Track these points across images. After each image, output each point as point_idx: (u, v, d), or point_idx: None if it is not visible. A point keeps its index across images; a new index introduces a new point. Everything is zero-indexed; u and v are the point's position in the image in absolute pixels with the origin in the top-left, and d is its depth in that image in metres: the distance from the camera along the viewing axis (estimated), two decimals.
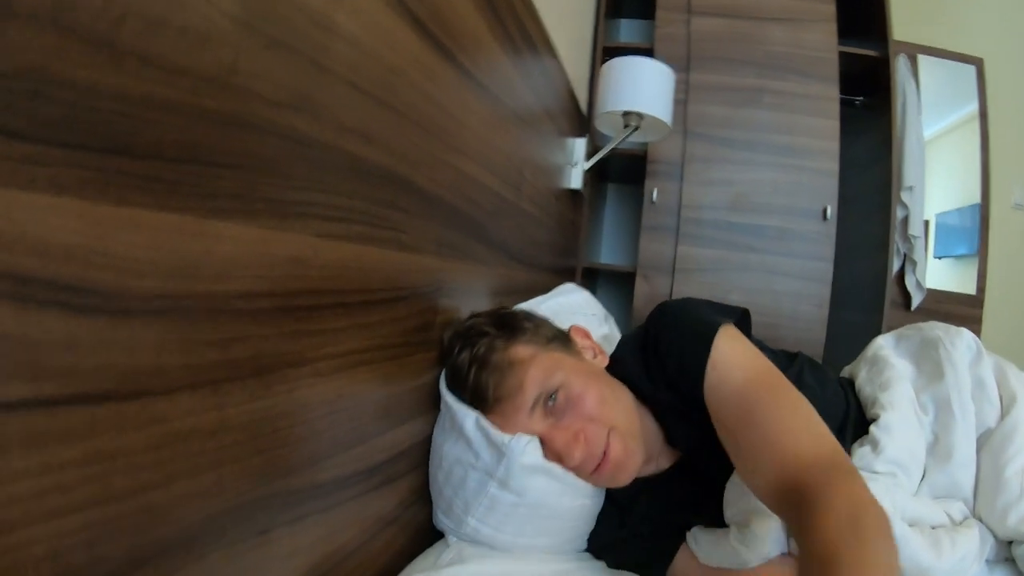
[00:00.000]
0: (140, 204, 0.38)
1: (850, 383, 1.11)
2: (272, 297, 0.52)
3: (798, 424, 0.78)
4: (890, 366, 1.07)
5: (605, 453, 0.87)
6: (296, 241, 0.55)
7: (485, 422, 0.87)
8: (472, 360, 0.89)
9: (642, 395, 0.97)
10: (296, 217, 0.55)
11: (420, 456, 0.93)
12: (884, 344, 1.16)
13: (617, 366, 0.99)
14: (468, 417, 0.88)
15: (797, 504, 0.68)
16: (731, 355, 0.86)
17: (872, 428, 0.95)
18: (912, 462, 0.94)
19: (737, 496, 0.90)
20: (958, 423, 0.97)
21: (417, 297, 0.84)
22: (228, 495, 0.50)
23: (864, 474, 0.81)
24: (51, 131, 0.33)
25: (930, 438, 0.99)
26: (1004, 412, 0.99)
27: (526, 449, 0.85)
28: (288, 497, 0.59)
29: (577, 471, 0.89)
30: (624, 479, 0.91)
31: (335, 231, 0.61)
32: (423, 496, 0.94)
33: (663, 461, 1.01)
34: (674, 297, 2.46)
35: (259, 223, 0.50)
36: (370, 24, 0.65)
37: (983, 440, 0.98)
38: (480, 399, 0.88)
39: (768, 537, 0.85)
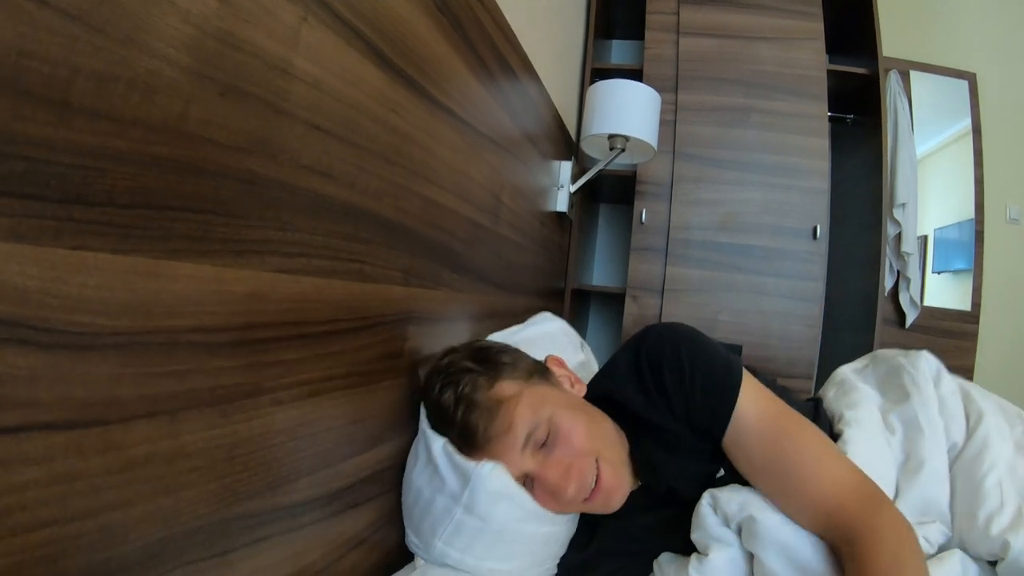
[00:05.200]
0: (94, 248, 0.42)
1: (819, 401, 1.14)
2: (228, 331, 0.55)
3: (829, 460, 0.86)
4: (857, 389, 1.11)
5: (597, 482, 0.89)
6: (252, 278, 0.58)
7: (451, 448, 0.88)
8: (458, 400, 0.89)
9: (631, 422, 0.98)
10: (252, 255, 0.58)
11: (391, 480, 0.94)
12: (849, 372, 1.19)
13: (605, 390, 1.00)
14: (436, 441, 0.89)
15: (847, 536, 0.78)
16: (753, 397, 0.91)
17: (837, 443, 0.97)
18: (878, 480, 0.92)
19: (705, 521, 0.91)
20: (927, 437, 0.99)
21: (383, 326, 0.86)
22: (186, 518, 0.52)
23: None
24: (11, 185, 0.36)
25: (900, 457, 1.00)
26: (971, 429, 1.01)
27: (491, 475, 0.86)
28: (248, 520, 0.61)
29: (569, 505, 0.90)
30: (615, 505, 0.93)
31: (294, 266, 0.64)
32: (394, 519, 0.95)
33: (633, 483, 1.01)
34: (664, 319, 2.49)
35: (214, 262, 0.53)
36: (330, 64, 0.68)
37: (953, 456, 0.99)
38: (469, 440, 0.88)
39: (726, 568, 0.88)
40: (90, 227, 0.41)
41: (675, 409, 0.91)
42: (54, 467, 0.40)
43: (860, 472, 0.85)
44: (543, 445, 0.90)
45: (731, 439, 0.89)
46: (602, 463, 0.90)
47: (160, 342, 0.48)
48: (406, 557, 0.96)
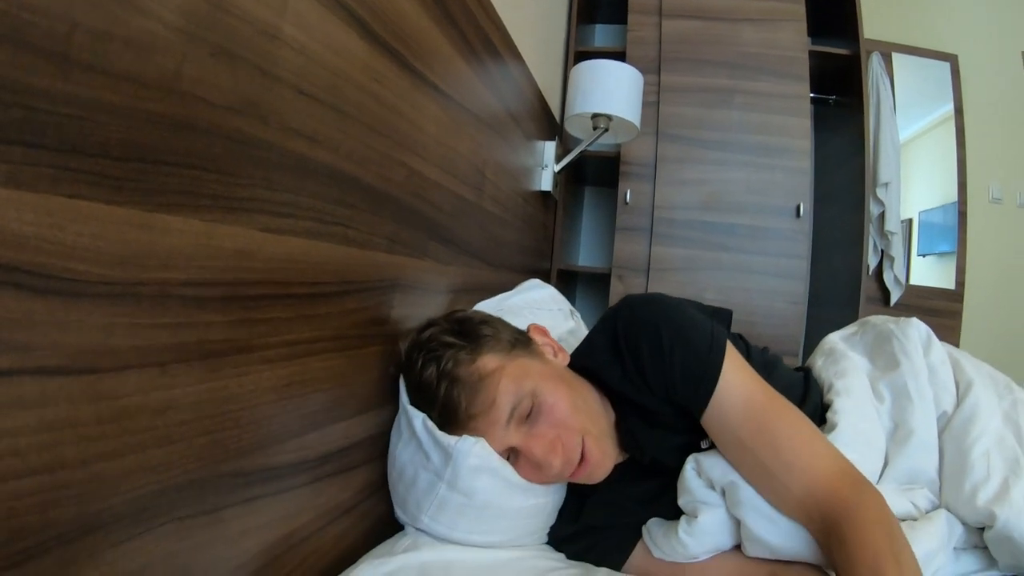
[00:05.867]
0: (89, 197, 0.42)
1: (809, 371, 1.13)
2: (218, 286, 0.56)
3: (818, 443, 0.85)
4: (846, 357, 1.10)
5: (583, 457, 0.89)
6: (241, 235, 0.59)
7: (431, 423, 0.88)
8: (440, 376, 0.88)
9: (613, 395, 0.99)
10: (241, 212, 0.59)
11: (377, 448, 0.95)
12: (838, 339, 1.19)
13: (586, 363, 0.99)
14: (416, 417, 0.89)
15: (836, 519, 0.77)
16: (734, 376, 0.88)
17: (828, 414, 0.98)
18: (869, 450, 0.94)
19: (689, 485, 0.91)
20: (916, 406, 0.99)
21: (369, 291, 0.87)
22: (176, 472, 0.53)
23: None
24: (10, 132, 0.37)
25: (889, 425, 1.00)
26: (961, 397, 1.01)
27: (472, 451, 0.85)
28: (238, 478, 0.62)
29: (555, 477, 0.91)
30: (599, 476, 0.93)
31: (281, 226, 0.65)
32: (381, 488, 0.96)
33: (618, 456, 1.00)
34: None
35: (203, 217, 0.54)
36: (316, 32, 0.69)
37: (942, 425, 0.99)
38: (451, 418, 0.88)
39: (715, 530, 0.88)
40: (85, 177, 0.42)
41: (653, 386, 0.90)
42: (46, 413, 0.41)
43: (845, 457, 0.85)
44: (527, 418, 0.90)
45: (711, 418, 0.88)
46: (587, 438, 0.90)
47: (152, 294, 0.49)
48: (395, 528, 0.97)
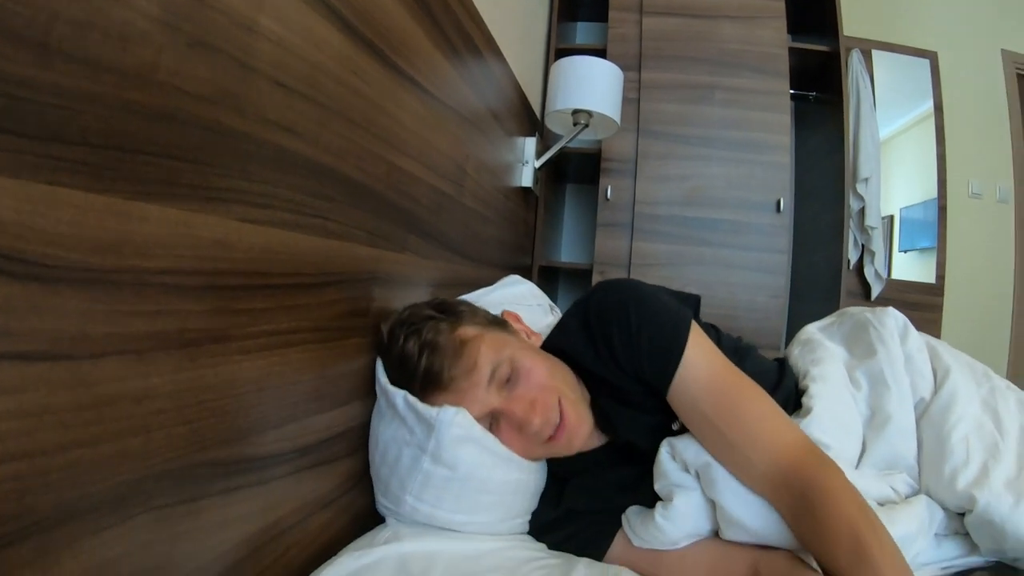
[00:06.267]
0: (68, 185, 0.43)
1: (784, 360, 1.15)
2: (197, 275, 0.57)
3: (779, 418, 0.87)
4: (823, 346, 1.12)
5: (561, 420, 0.91)
6: (219, 224, 0.59)
7: (412, 399, 0.89)
8: (423, 346, 0.90)
9: (586, 376, 1.00)
10: (219, 202, 0.59)
11: (358, 441, 0.95)
12: (815, 330, 1.21)
13: (559, 346, 1.01)
14: (398, 395, 0.90)
15: (802, 491, 0.78)
16: (699, 353, 0.91)
17: (803, 399, 0.99)
18: (845, 435, 0.96)
19: (665, 468, 0.92)
20: (892, 392, 1.01)
21: (348, 283, 0.88)
22: (155, 460, 0.54)
23: None
24: None
25: (866, 412, 1.02)
26: (939, 384, 1.02)
27: (454, 420, 0.86)
28: (217, 468, 0.62)
29: (535, 438, 0.91)
30: (578, 444, 0.95)
31: (259, 216, 0.65)
32: (362, 481, 0.97)
33: (594, 439, 1.02)
34: None
35: (181, 206, 0.54)
36: (293, 24, 0.69)
37: (920, 412, 1.01)
38: (433, 382, 0.89)
39: (691, 513, 0.89)
40: (65, 164, 0.42)
41: (623, 366, 0.92)
42: (24, 399, 0.41)
43: (806, 434, 0.87)
44: (506, 383, 0.92)
45: (677, 394, 0.90)
46: (564, 401, 0.92)
47: (130, 281, 0.49)
48: (377, 520, 0.97)
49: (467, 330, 0.94)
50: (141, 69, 0.48)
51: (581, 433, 0.95)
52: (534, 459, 0.98)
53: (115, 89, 0.46)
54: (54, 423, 0.44)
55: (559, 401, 0.92)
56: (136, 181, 0.49)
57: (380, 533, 0.90)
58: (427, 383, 0.90)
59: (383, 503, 0.95)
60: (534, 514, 1.01)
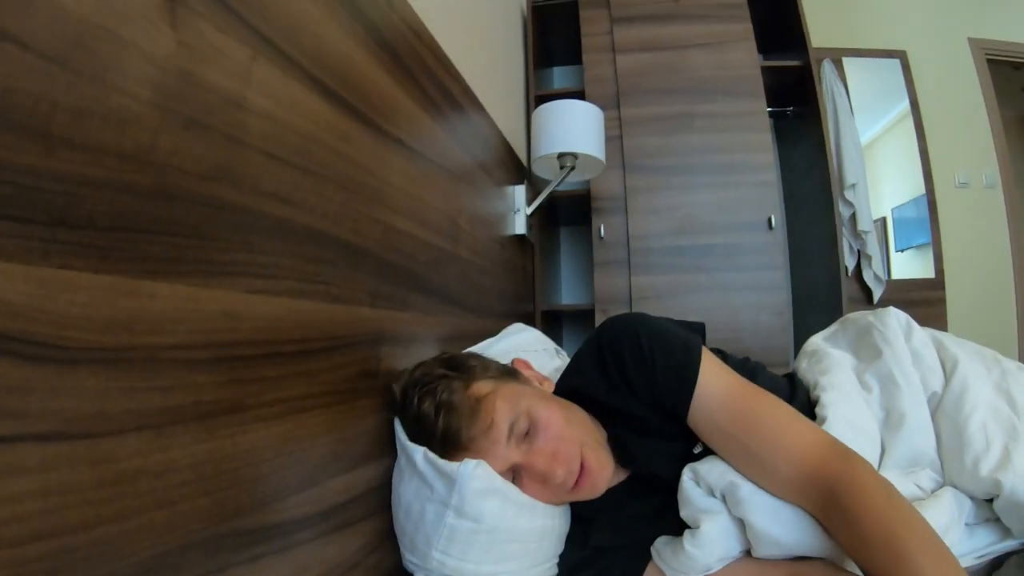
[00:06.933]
0: (77, 267, 0.44)
1: (793, 374, 1.16)
2: (207, 348, 0.58)
3: (799, 423, 0.88)
4: (829, 355, 1.12)
5: (583, 468, 0.92)
6: (226, 297, 0.61)
7: (432, 455, 0.89)
8: (438, 407, 0.90)
9: (602, 412, 1.01)
10: (224, 276, 0.61)
11: (379, 500, 0.95)
12: (820, 340, 1.21)
13: (572, 385, 1.02)
14: (417, 452, 0.90)
15: (831, 491, 0.78)
16: (712, 371, 0.93)
17: (816, 410, 0.99)
18: (863, 440, 0.95)
19: (689, 495, 0.92)
20: (904, 391, 1.01)
21: (355, 346, 0.89)
22: (179, 533, 0.54)
23: None
24: (0, 208, 0.39)
25: (881, 414, 1.02)
26: (949, 375, 1.02)
27: (475, 473, 0.86)
28: (241, 537, 0.63)
29: (560, 488, 0.92)
30: (601, 487, 0.96)
31: (264, 287, 0.67)
32: (388, 540, 0.96)
33: (617, 476, 1.03)
34: None
35: (187, 282, 0.56)
36: (280, 98, 0.72)
37: (934, 405, 1.01)
38: (452, 443, 0.89)
39: (719, 537, 0.88)
40: (73, 248, 0.44)
41: (640, 393, 0.94)
42: (47, 479, 0.42)
43: (829, 434, 0.87)
44: (525, 436, 0.92)
45: (697, 416, 0.91)
46: (585, 449, 0.93)
47: (143, 358, 0.50)
48: None
49: (481, 386, 0.95)
50: (139, 151, 0.50)
51: (604, 476, 0.96)
52: (559, 505, 0.98)
53: (116, 172, 0.48)
54: (78, 501, 0.44)
55: (580, 450, 0.93)
56: (142, 260, 0.51)
57: None
58: (446, 444, 0.90)
59: (410, 560, 0.95)
60: (561, 556, 1.00)
